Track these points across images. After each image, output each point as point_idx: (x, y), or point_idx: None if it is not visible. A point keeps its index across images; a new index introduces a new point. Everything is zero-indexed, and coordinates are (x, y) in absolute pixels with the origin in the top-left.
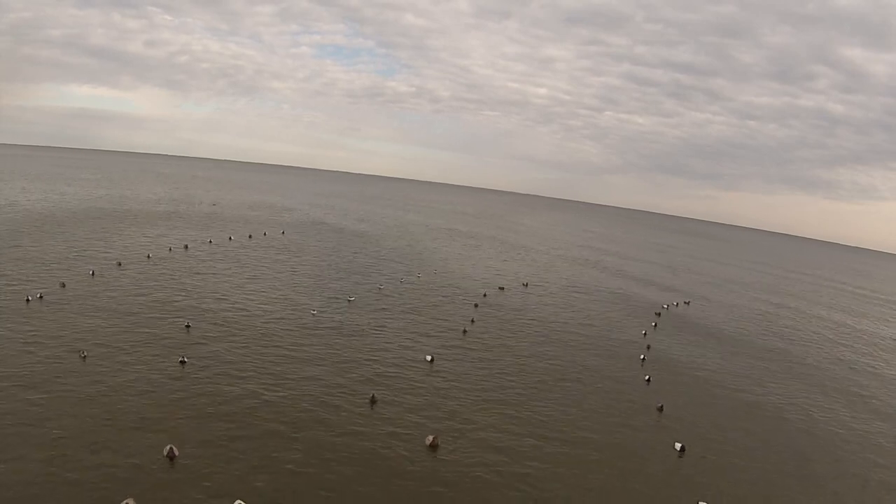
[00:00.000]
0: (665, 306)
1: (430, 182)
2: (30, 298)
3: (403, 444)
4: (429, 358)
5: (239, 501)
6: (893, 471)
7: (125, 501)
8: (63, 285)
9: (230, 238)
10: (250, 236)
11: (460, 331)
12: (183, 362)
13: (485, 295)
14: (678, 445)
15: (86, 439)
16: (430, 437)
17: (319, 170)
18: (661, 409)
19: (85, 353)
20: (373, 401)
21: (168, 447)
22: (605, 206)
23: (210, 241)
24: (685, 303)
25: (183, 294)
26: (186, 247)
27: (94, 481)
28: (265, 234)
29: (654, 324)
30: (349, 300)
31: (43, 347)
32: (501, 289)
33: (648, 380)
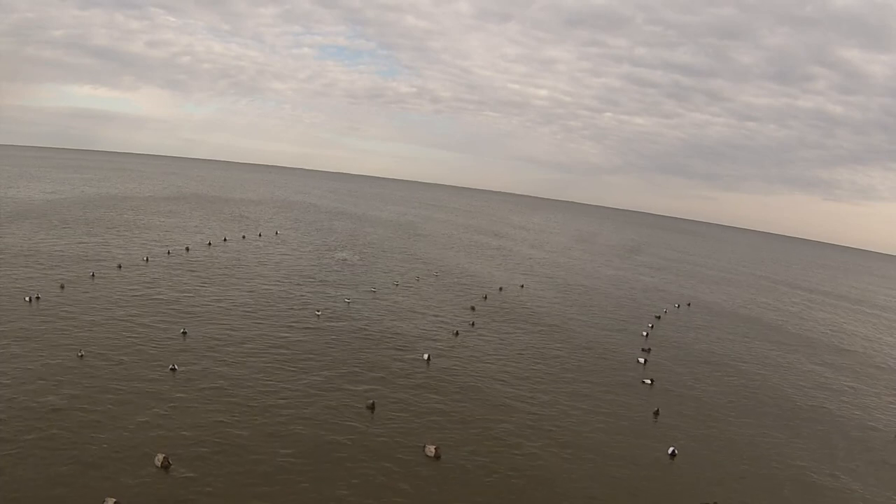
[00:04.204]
0: (664, 310)
1: (431, 183)
2: (30, 298)
3: (405, 455)
4: (425, 357)
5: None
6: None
7: (112, 501)
8: (62, 287)
9: (224, 239)
10: (244, 237)
11: (456, 333)
12: (173, 369)
13: (485, 297)
14: (670, 450)
15: (77, 442)
16: (433, 448)
17: (319, 171)
18: (657, 413)
19: (82, 353)
20: (371, 408)
21: (161, 456)
22: (606, 207)
23: (209, 244)
24: (686, 305)
25: (181, 298)
26: (188, 248)
27: (83, 485)
28: (260, 234)
29: (651, 325)
30: (346, 302)
31: (41, 346)
32: (500, 290)
33: (652, 382)
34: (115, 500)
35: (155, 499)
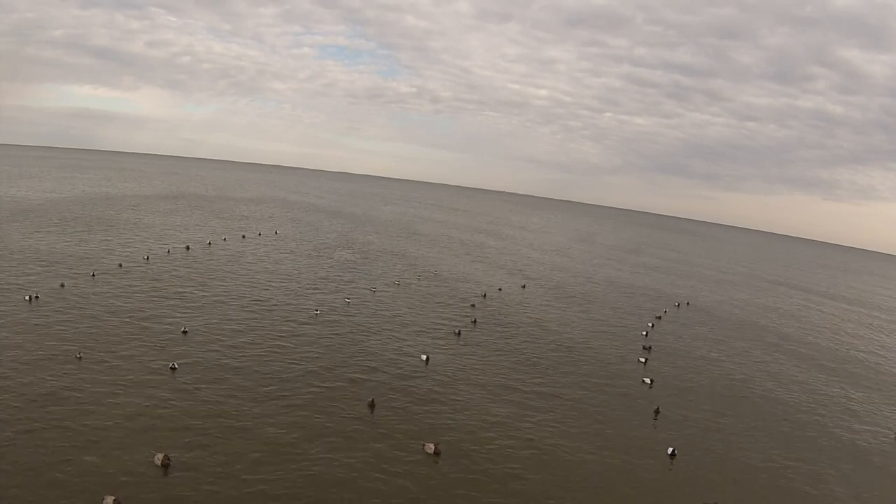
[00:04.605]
0: (665, 310)
1: (431, 182)
2: (30, 297)
3: (405, 451)
4: (424, 357)
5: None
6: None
7: (112, 499)
8: (62, 285)
9: (224, 238)
10: (244, 236)
11: (457, 332)
12: (173, 368)
13: (484, 296)
14: (669, 450)
15: (76, 439)
16: (432, 445)
17: (320, 170)
18: (657, 412)
19: (80, 355)
20: (371, 405)
21: (161, 455)
22: (606, 206)
23: (209, 243)
24: (686, 304)
25: (181, 296)
26: (188, 247)
27: (84, 473)
28: (259, 234)
29: (651, 325)
30: (346, 301)
31: (41, 344)
32: (500, 290)
33: (651, 381)
34: (114, 497)
35: (155, 496)
